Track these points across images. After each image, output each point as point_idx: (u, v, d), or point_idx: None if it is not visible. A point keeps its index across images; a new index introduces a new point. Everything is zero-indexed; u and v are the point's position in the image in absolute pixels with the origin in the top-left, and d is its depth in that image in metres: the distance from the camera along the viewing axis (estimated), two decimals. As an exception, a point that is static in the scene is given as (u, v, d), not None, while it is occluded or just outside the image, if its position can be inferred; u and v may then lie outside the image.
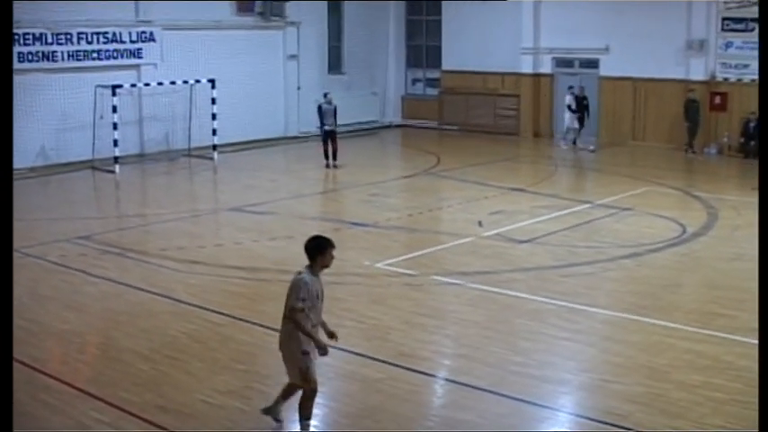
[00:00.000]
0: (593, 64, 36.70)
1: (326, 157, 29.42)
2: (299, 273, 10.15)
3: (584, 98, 35.17)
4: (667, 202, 24.53)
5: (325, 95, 29.91)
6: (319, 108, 29.81)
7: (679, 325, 14.56)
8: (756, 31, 33.43)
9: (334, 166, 28.97)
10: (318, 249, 10.21)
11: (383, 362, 12.88)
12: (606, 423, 11.02)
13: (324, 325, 10.58)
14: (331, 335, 10.65)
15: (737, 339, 13.91)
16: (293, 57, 36.44)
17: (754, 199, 25.56)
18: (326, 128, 29.32)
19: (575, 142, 34.87)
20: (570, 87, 35.06)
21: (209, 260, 18.36)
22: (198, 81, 31.47)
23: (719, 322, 14.75)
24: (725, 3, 33.97)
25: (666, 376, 12.43)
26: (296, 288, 10.04)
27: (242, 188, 26.46)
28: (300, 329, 10.06)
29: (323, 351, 10.27)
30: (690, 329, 14.36)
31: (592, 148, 33.78)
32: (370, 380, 12.36)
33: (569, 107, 34.53)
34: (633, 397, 11.75)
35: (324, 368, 12.73)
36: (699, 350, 13.44)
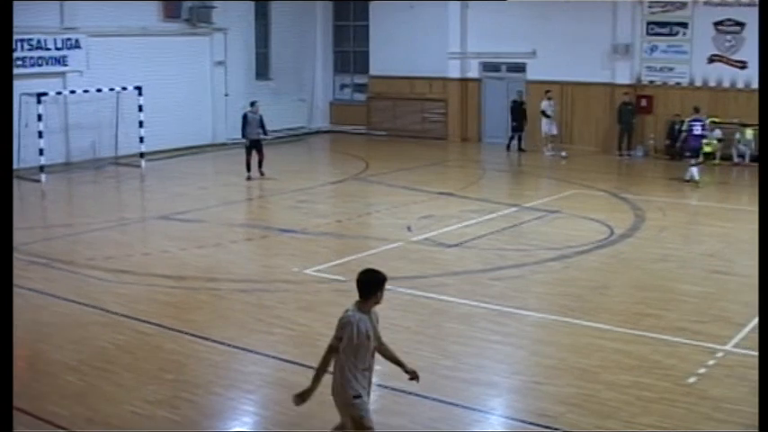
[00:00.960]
0: (520, 68, 36.93)
1: (249, 168, 28.64)
2: (347, 310, 9.07)
3: (523, 103, 35.30)
4: (595, 205, 24.74)
5: (252, 104, 29.45)
6: (244, 117, 29.19)
7: (608, 326, 14.69)
8: (680, 35, 33.97)
9: (261, 175, 28.59)
10: (379, 286, 9.03)
11: (313, 368, 12.75)
12: (537, 425, 11.06)
13: (400, 364, 9.55)
14: (412, 375, 9.59)
15: (665, 339, 14.07)
16: (220, 63, 36.22)
17: (679, 200, 26.02)
18: (252, 137, 28.78)
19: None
20: (547, 92, 34.67)
21: (138, 269, 18.16)
22: (124, 88, 31.15)
23: (647, 322, 14.90)
24: (649, 7, 34.40)
25: (596, 377, 12.52)
26: (338, 325, 9.05)
27: (170, 196, 26.23)
28: (319, 365, 9.30)
29: (298, 400, 9.49)
30: (618, 330, 14.48)
31: (564, 154, 33.48)
32: (300, 387, 12.16)
33: (543, 113, 34.19)
34: (564, 398, 11.81)
35: (253, 376, 12.69)
36: (628, 350, 13.55)
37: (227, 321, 15.07)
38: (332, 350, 9.12)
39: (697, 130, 28.80)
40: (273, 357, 13.21)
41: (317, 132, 40.27)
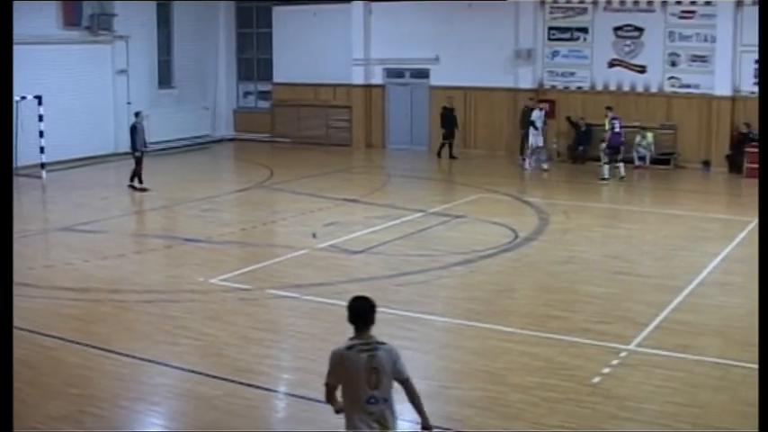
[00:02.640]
0: (423, 74, 37.12)
1: (141, 180, 28.00)
2: (382, 342, 8.44)
3: (453, 109, 35.13)
4: (499, 209, 24.93)
5: (137, 114, 28.65)
6: (133, 128, 28.28)
7: (514, 329, 14.79)
8: (581, 40, 34.47)
9: (134, 189, 27.89)
10: (374, 311, 8.46)
11: (219, 378, 12.69)
12: (446, 429, 11.06)
13: (420, 410, 8.67)
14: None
15: (570, 340, 14.22)
16: (122, 71, 35.71)
17: (583, 203, 26.32)
18: (142, 148, 28.15)
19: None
20: (538, 101, 34.03)
21: (40, 282, 17.81)
22: (24, 97, 30.51)
23: (552, 324, 15.03)
24: (551, 12, 34.82)
25: (503, 379, 12.59)
26: (400, 355, 8.51)
27: (72, 207, 25.81)
28: (420, 402, 8.61)
29: (430, 428, 8.67)
30: (524, 333, 14.59)
31: (545, 166, 32.59)
32: (206, 397, 12.17)
33: (533, 124, 32.83)
34: (471, 401, 11.87)
35: (159, 388, 12.54)
36: (533, 352, 13.66)
37: (133, 333, 14.88)
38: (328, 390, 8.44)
39: (617, 128, 29.62)
40: (179, 368, 13.07)
41: (221, 140, 39.96)
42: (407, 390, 8.48)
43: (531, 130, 32.50)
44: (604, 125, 30.41)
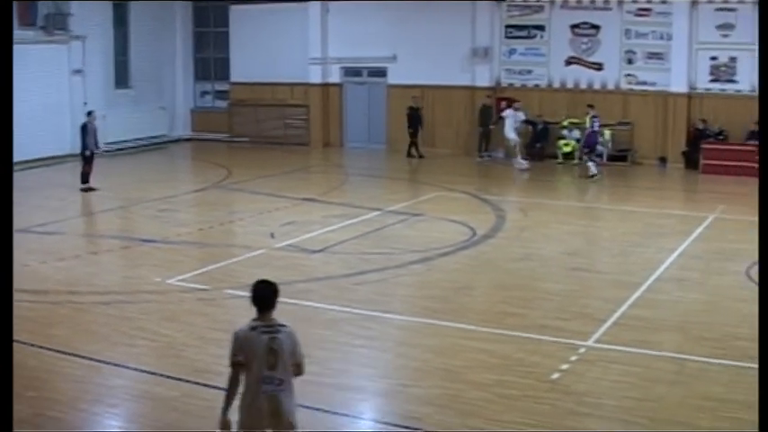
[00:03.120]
0: (380, 73, 37.14)
1: (87, 180, 27.68)
2: (283, 324, 8.64)
3: (419, 109, 35.11)
4: (457, 207, 24.97)
5: (89, 114, 28.37)
6: (84, 127, 27.95)
7: (472, 326, 14.80)
8: (538, 38, 34.63)
9: (90, 189, 27.68)
10: (278, 293, 8.69)
11: (177, 379, 12.61)
12: (404, 427, 11.10)
13: None
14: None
15: (528, 337, 14.25)
16: (79, 72, 35.40)
17: (540, 200, 26.43)
18: (93, 149, 27.87)
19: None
20: (514, 101, 33.62)
21: (-6, 284, 17.63)
22: (-24, 99, 30.29)
23: (510, 321, 15.07)
24: (507, 11, 34.94)
25: (461, 377, 12.60)
26: (299, 340, 8.74)
27: (29, 208, 25.51)
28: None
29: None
30: (482, 330, 14.60)
31: (525, 166, 32.36)
32: (164, 398, 12.10)
33: (497, 122, 33.17)
34: (430, 399, 11.86)
35: (117, 390, 12.44)
36: (491, 349, 13.68)
37: (90, 335, 14.76)
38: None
39: (596, 126, 29.71)
40: (137, 370, 12.98)
41: (178, 140, 39.77)
42: (300, 373, 8.76)
43: (509, 130, 32.55)
44: (584, 122, 30.39)
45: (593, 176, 29.21)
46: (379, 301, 16.30)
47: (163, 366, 13.14)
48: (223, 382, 12.46)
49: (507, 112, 32.46)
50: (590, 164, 29.27)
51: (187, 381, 12.53)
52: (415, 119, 34.95)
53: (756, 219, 23.59)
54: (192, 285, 17.32)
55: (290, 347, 8.56)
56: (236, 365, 8.54)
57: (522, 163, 32.06)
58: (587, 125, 30.24)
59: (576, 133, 33.28)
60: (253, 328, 8.48)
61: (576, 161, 32.79)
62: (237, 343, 8.49)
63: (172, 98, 40.38)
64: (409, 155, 34.95)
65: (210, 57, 41.20)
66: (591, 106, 30.47)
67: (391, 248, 20.14)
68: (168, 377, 12.72)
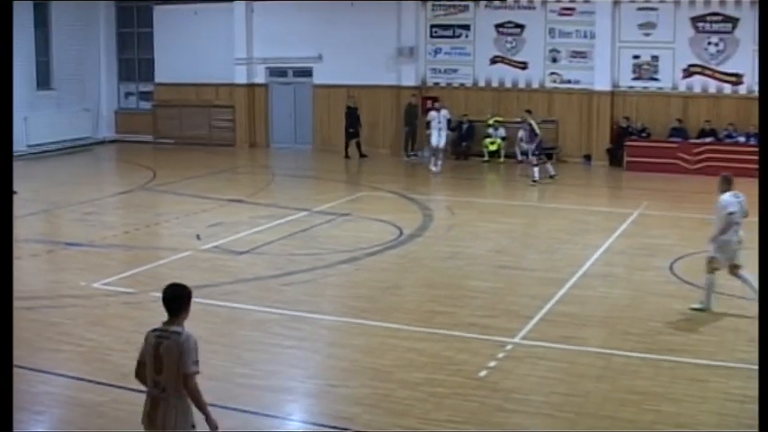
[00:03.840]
0: (306, 73, 37.07)
1: None
2: (178, 332, 8.37)
3: (357, 108, 34.96)
4: (384, 206, 25.01)
5: None
6: None
7: (400, 325, 14.84)
8: (463, 37, 34.80)
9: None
10: (189, 299, 8.60)
11: (105, 384, 12.48)
12: (334, 427, 11.10)
13: (201, 408, 8.60)
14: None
15: (456, 335, 14.32)
16: (-2, 73, 34.89)
17: (467, 198, 26.57)
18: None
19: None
20: (436, 101, 33.22)
21: None
22: None
23: (438, 320, 15.13)
24: (432, 10, 35.07)
25: (390, 376, 12.63)
26: (192, 349, 8.35)
27: (-53, 213, 25.14)
28: (197, 401, 8.42)
29: (215, 428, 8.54)
30: (411, 329, 14.65)
31: (435, 169, 31.66)
32: (91, 404, 11.97)
33: (428, 124, 32.69)
34: (359, 399, 11.87)
35: (43, 396, 12.29)
36: (420, 348, 13.72)
37: (14, 341, 14.53)
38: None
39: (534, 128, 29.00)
40: (63, 375, 12.83)
41: (103, 142, 39.35)
42: (185, 386, 8.35)
43: (432, 131, 32.22)
44: (532, 126, 29.73)
45: (537, 182, 28.88)
46: (307, 301, 16.28)
47: (89, 372, 13.00)
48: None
49: (431, 114, 32.40)
50: (535, 168, 28.93)
51: (114, 386, 12.41)
52: (352, 118, 34.85)
53: (680, 214, 24.08)
54: (118, 289, 17.14)
55: (176, 356, 8.27)
56: (138, 365, 8.61)
57: (434, 168, 31.63)
58: (536, 129, 29.50)
59: (502, 131, 33.51)
60: (153, 331, 8.47)
61: (500, 159, 33.01)
62: (143, 344, 8.54)
63: (96, 99, 39.91)
64: (347, 155, 34.80)
65: (135, 57, 40.82)
66: (529, 111, 30.17)
67: (319, 249, 20.13)
68: (95, 382, 12.58)
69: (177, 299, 8.48)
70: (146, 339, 8.47)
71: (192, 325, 14.99)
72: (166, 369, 8.31)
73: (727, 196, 15.98)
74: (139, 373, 8.63)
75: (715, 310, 15.57)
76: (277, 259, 19.27)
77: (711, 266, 15.65)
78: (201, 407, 8.42)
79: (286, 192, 28.48)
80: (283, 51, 36.84)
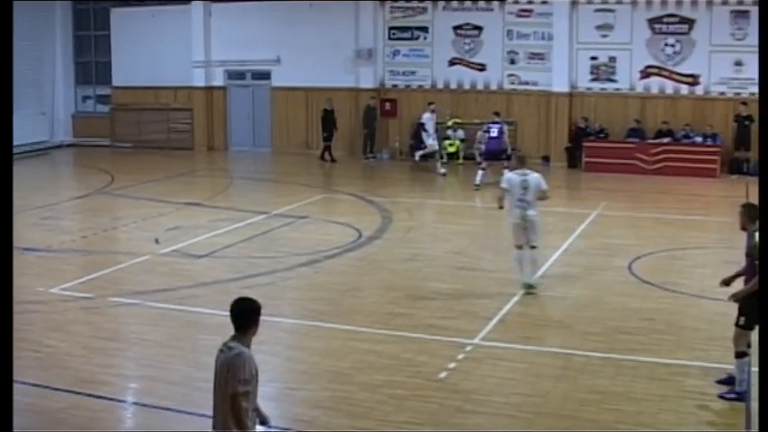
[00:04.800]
0: (265, 75, 36.98)
1: None
2: (231, 347, 7.94)
3: (333, 111, 34.69)
4: (343, 209, 25.02)
5: None
6: None
7: (360, 327, 14.83)
8: (421, 39, 34.85)
9: None
10: (257, 314, 8.09)
11: (63, 390, 12.37)
12: (294, 430, 11.05)
13: (258, 410, 8.25)
14: (264, 421, 8.41)
15: (415, 337, 14.31)
16: (-49, 76, 34.56)
17: (425, 200, 26.61)
18: None
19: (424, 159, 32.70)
20: (430, 103, 32.45)
21: None
22: None
23: (398, 321, 15.12)
24: (391, 12, 35.08)
25: (350, 379, 12.61)
26: (240, 367, 7.83)
27: None
28: (239, 422, 7.88)
29: None
30: (370, 331, 14.64)
31: (443, 171, 31.46)
32: (50, 411, 11.86)
33: (422, 126, 32.17)
34: (319, 402, 11.85)
35: None
36: (379, 350, 13.71)
37: (-32, 347, 14.41)
38: (244, 398, 7.89)
39: (494, 132, 28.36)
40: (21, 383, 12.64)
41: (60, 146, 39.05)
42: (229, 404, 7.88)
43: (423, 133, 32.04)
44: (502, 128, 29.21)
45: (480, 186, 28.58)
46: (266, 304, 15.88)
47: (47, 378, 12.88)
48: (110, 391, 12.40)
49: (425, 117, 32.09)
50: (480, 172, 28.63)
51: (73, 392, 12.31)
52: (329, 121, 34.60)
53: (638, 214, 24.23)
54: (76, 294, 17.00)
55: (223, 372, 7.88)
56: None
57: (439, 169, 31.48)
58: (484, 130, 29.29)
59: (461, 133, 33.56)
60: (224, 344, 8.06)
61: (459, 161, 33.05)
62: None
63: (52, 103, 39.59)
64: (323, 158, 34.54)
65: (92, 60, 40.54)
66: (497, 114, 29.61)
67: (278, 252, 20.07)
68: (53, 389, 12.48)
69: (243, 314, 8.06)
70: (250, 359, 7.96)
71: (150, 330, 15.04)
72: (217, 386, 7.98)
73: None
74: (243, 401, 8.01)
75: (674, 309, 15.72)
76: (236, 262, 19.20)
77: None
78: (242, 429, 7.94)
79: (245, 195, 28.40)
80: (242, 54, 36.74)
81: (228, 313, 8.03)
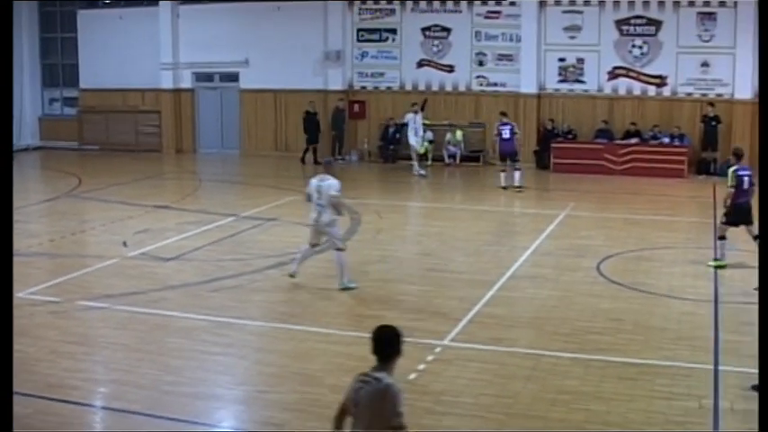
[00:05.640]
0: (233, 77, 36.91)
1: None
2: (378, 378, 7.53)
3: (316, 114, 34.56)
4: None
5: None
6: None
7: (329, 329, 14.80)
8: (390, 41, 34.87)
9: None
10: (401, 341, 7.66)
11: (31, 396, 12.24)
12: (262, 434, 11.04)
13: None
14: None
15: (385, 339, 14.27)
16: None
17: (395, 202, 26.59)
18: None
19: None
20: (414, 104, 32.66)
21: None
22: None
23: (367, 323, 14.89)
24: (359, 14, 35.09)
25: (320, 381, 12.57)
26: (395, 399, 7.43)
27: None
28: None
29: None
30: (340, 333, 14.61)
31: (423, 172, 31.67)
32: (17, 416, 11.65)
33: (406, 126, 32.24)
34: (288, 405, 11.82)
35: (-36, 408, 12.04)
36: (349, 352, 13.66)
37: (-65, 352, 14.28)
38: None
39: (506, 134, 28.27)
40: (-13, 387, 12.61)
41: (26, 149, 38.84)
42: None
43: (409, 134, 31.98)
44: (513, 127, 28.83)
45: (507, 187, 28.29)
46: (235, 307, 16.18)
47: (15, 383, 12.73)
48: (78, 396, 12.30)
49: (408, 116, 32.13)
50: (503, 174, 28.47)
51: (41, 397, 12.21)
52: (311, 123, 34.40)
53: (606, 215, 24.32)
54: (44, 298, 16.88)
55: (370, 404, 7.49)
56: (339, 407, 7.95)
57: (418, 170, 31.59)
58: (495, 133, 28.99)
59: (430, 134, 33.59)
60: (360, 374, 7.71)
61: (428, 162, 33.08)
62: (348, 387, 7.80)
63: (18, 106, 39.27)
64: (303, 161, 34.39)
65: (59, 63, 40.38)
66: (504, 114, 29.60)
67: (247, 254, 20.02)
68: (21, 394, 12.33)
69: (389, 342, 7.61)
70: (352, 383, 7.71)
71: (118, 334, 14.95)
72: (360, 417, 7.59)
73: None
74: (337, 417, 7.92)
75: (643, 309, 15.80)
76: (204, 265, 19.13)
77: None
78: None
79: (213, 197, 28.31)
80: (210, 56, 36.68)
81: (371, 342, 7.66)
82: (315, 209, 17.13)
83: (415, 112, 32.05)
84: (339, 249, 17.23)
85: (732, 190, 18.34)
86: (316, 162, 33.98)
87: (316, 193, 17.10)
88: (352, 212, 24.44)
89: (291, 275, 17.44)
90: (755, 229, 17.96)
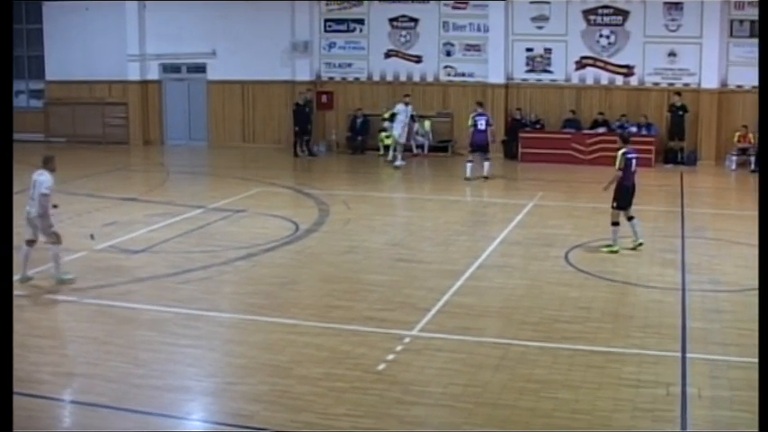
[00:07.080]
0: (200, 69, 36.77)
1: None
2: None
3: (306, 105, 34.26)
4: (280, 202, 24.91)
5: None
6: None
7: (298, 320, 14.76)
8: (357, 31, 34.87)
9: None
10: None
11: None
12: (233, 425, 10.99)
13: None
14: None
15: (353, 329, 14.29)
16: None
17: (363, 193, 26.58)
18: None
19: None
20: (406, 95, 32.31)
21: None
22: None
23: (335, 314, 15.10)
24: (326, 5, 35.05)
25: (289, 372, 12.55)
26: None
27: None
28: None
29: None
30: (308, 324, 14.58)
31: (398, 163, 31.35)
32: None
33: (393, 117, 31.99)
34: (258, 396, 11.78)
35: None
36: (318, 343, 13.67)
37: None
38: None
39: (481, 125, 28.36)
40: (-48, 381, 12.53)
41: (-8, 142, 38.49)
42: None
43: (395, 125, 31.72)
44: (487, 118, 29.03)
45: (470, 179, 28.25)
46: (203, 299, 16.12)
47: (-20, 376, 12.70)
48: (46, 390, 12.25)
49: (398, 107, 31.89)
50: (468, 165, 28.53)
51: (7, 390, 12.14)
52: (301, 115, 34.00)
53: (574, 204, 24.42)
54: (10, 291, 16.77)
55: None
56: None
57: (398, 161, 31.42)
58: (470, 123, 28.83)
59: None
60: None
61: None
62: None
63: (-16, 99, 39.03)
64: (296, 153, 34.10)
65: (24, 55, 39.99)
66: (479, 104, 29.93)
67: (215, 246, 19.95)
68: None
69: None
70: None
71: (86, 327, 14.88)
72: None
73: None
74: None
75: (610, 297, 15.87)
76: (173, 257, 19.05)
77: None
78: None
79: (181, 189, 28.19)
80: (177, 47, 36.54)
81: None
82: (29, 202, 17.43)
83: (406, 104, 31.91)
84: (53, 243, 17.21)
85: (620, 173, 19.18)
86: (311, 154, 33.96)
87: (31, 187, 17.47)
88: (320, 203, 24.47)
89: (23, 281, 17.10)
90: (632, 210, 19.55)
